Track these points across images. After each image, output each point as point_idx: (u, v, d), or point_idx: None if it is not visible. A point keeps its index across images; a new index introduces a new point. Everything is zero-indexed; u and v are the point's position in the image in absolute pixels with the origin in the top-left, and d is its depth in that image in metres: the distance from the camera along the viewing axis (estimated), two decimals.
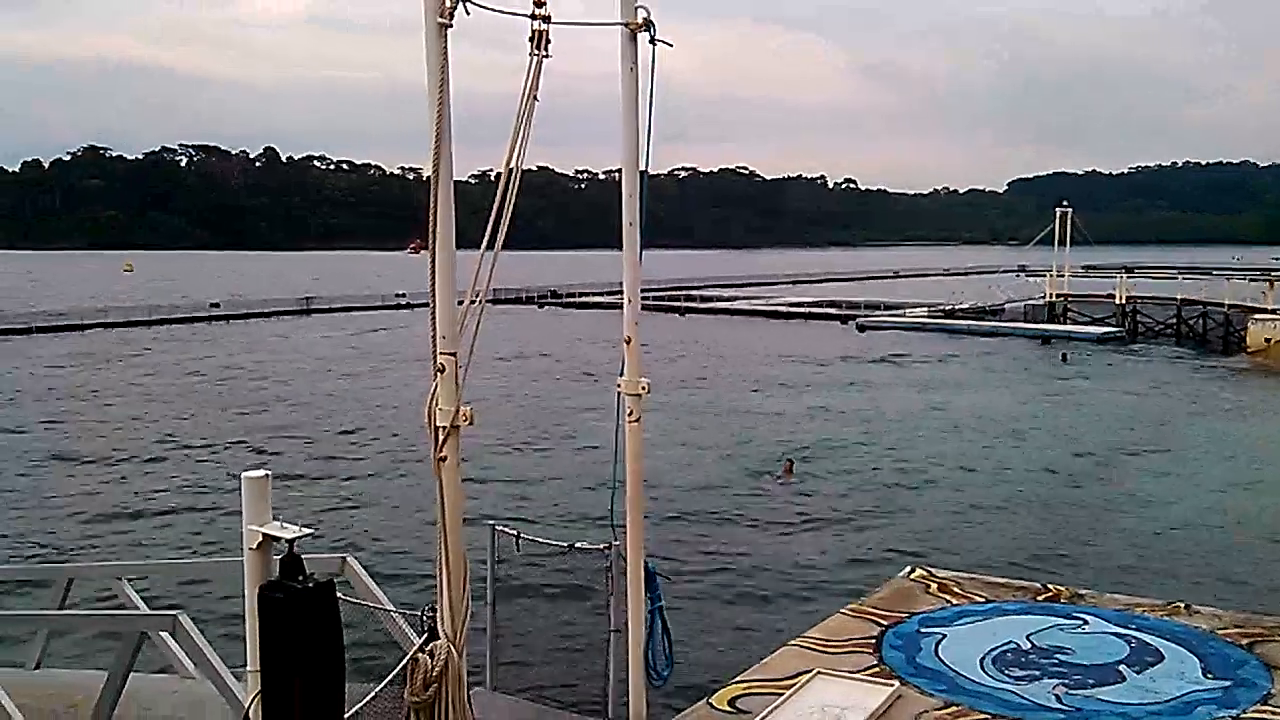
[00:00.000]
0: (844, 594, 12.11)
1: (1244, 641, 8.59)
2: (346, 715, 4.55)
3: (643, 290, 7.08)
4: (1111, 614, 9.28)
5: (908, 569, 10.66)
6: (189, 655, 7.46)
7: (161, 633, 7.41)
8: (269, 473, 4.51)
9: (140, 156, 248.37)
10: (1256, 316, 47.41)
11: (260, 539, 4.40)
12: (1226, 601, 11.10)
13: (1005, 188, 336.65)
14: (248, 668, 4.58)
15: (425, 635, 4.87)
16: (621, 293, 7.03)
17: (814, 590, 15.27)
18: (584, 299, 79.38)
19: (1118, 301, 57.66)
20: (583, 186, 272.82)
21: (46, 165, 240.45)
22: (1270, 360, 43.87)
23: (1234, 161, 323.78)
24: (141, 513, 20.62)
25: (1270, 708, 7.32)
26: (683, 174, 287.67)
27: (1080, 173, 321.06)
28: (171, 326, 61.22)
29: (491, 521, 7.94)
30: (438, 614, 4.86)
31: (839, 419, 30.54)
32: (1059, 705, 7.41)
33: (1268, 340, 45.39)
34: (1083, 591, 10.10)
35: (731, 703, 7.49)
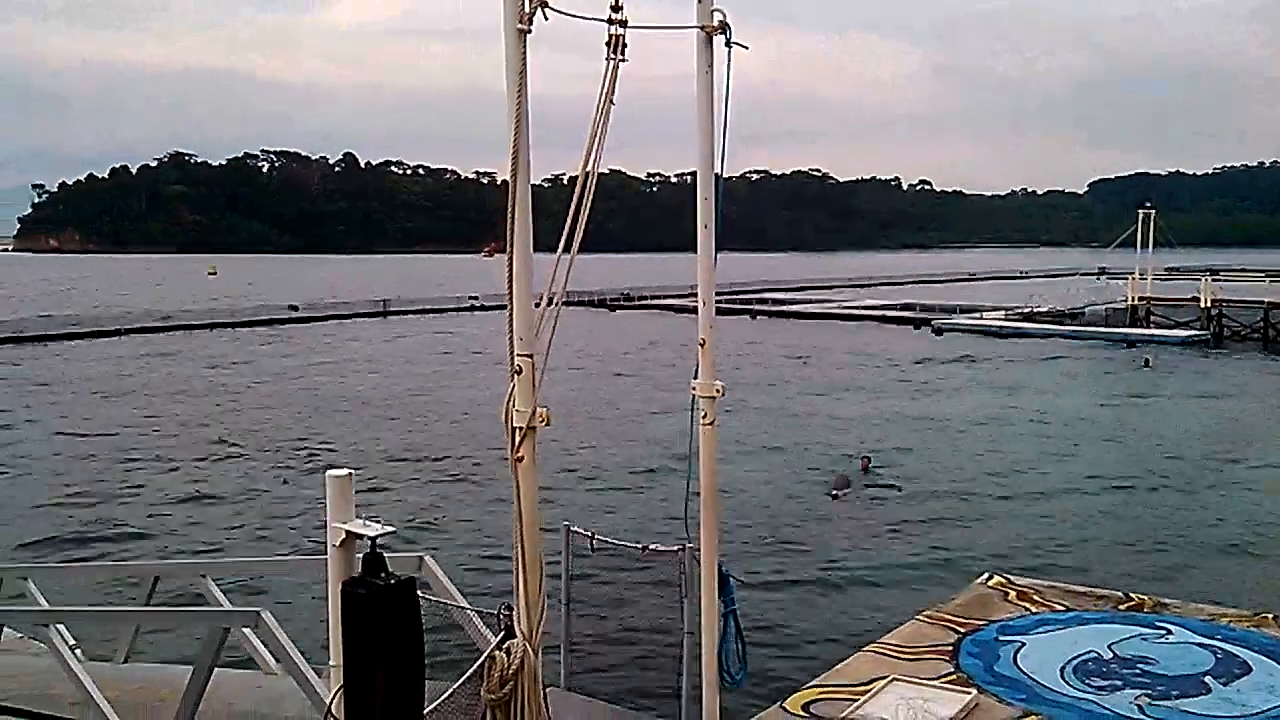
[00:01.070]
0: (920, 600, 11.96)
1: None
2: (425, 711, 4.62)
3: (715, 293, 7.09)
4: (1196, 624, 9.06)
5: (986, 575, 10.51)
6: (271, 651, 7.63)
7: (244, 628, 7.58)
8: (352, 471, 4.59)
9: (223, 162, 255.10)
10: None
11: (344, 536, 4.48)
12: None
13: (1085, 189, 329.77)
14: (330, 663, 4.66)
15: (502, 634, 4.93)
16: (693, 295, 7.03)
17: (890, 596, 15.11)
18: (657, 301, 79.46)
19: (1202, 305, 56.18)
20: (655, 189, 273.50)
21: (134, 171, 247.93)
22: None
23: None
24: (223, 511, 21.10)
25: None
26: (755, 176, 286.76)
27: (1163, 173, 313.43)
28: (255, 329, 62.58)
29: (566, 522, 7.99)
30: (514, 613, 4.91)
31: (915, 423, 30.17)
32: (1141, 716, 7.25)
33: None
34: (1166, 601, 9.87)
35: (805, 707, 7.45)
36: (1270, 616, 9.38)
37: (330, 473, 4.54)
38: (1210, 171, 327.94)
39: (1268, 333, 53.08)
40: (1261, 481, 23.10)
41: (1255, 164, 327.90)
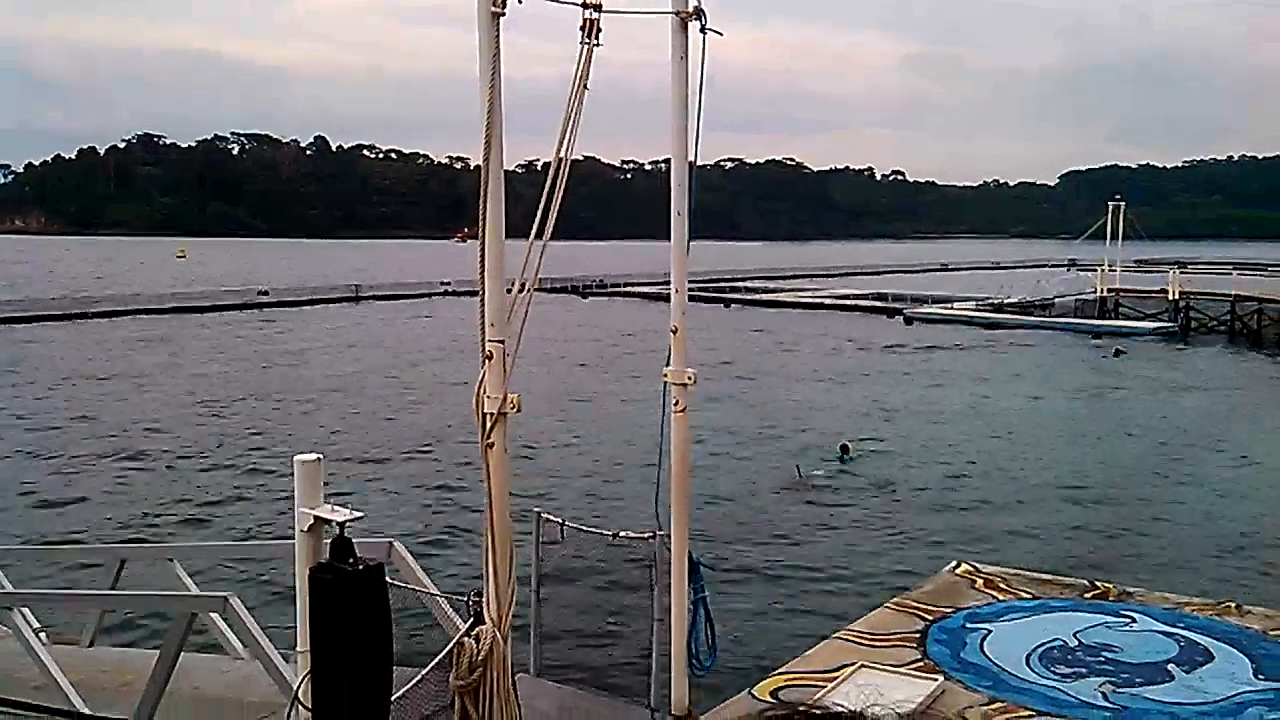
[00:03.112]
0: (889, 588, 12.05)
1: None
2: (393, 697, 4.60)
3: (689, 281, 7.08)
4: (1160, 612, 9.17)
5: (953, 564, 10.61)
6: (239, 636, 7.59)
7: (212, 613, 7.54)
8: (321, 456, 4.56)
9: (193, 144, 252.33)
10: None
11: (312, 521, 4.45)
12: (1279, 601, 10.90)
13: (1057, 180, 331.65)
14: (297, 648, 4.64)
15: (471, 620, 4.92)
16: (666, 283, 7.03)
17: (859, 583, 15.21)
18: (630, 289, 79.44)
19: (1171, 297, 56.72)
20: (629, 177, 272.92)
21: (102, 151, 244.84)
22: None
23: None
24: (191, 495, 20.95)
25: None
26: (729, 165, 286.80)
27: (1134, 166, 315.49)
28: (222, 313, 62.03)
29: (537, 509, 7.98)
30: (483, 599, 4.90)
31: (886, 412, 30.34)
32: (1106, 703, 7.35)
33: None
34: (1131, 589, 9.99)
35: (774, 694, 7.50)
36: (1233, 605, 9.51)
37: (298, 458, 4.51)
38: (1180, 165, 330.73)
39: (1234, 325, 53.67)
40: (1227, 472, 23.38)
41: (1224, 158, 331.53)
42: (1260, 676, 7.80)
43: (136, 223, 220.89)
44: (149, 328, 53.69)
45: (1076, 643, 8.40)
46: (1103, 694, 7.46)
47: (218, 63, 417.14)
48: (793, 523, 18.91)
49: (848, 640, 8.50)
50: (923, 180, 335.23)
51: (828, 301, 70.63)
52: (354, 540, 4.47)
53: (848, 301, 69.76)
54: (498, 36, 4.66)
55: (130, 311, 59.75)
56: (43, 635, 8.19)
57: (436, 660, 4.99)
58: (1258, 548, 17.60)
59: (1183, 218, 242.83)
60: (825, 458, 23.74)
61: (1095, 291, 61.40)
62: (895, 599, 9.57)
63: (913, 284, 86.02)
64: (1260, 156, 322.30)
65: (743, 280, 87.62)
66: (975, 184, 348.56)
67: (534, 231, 4.94)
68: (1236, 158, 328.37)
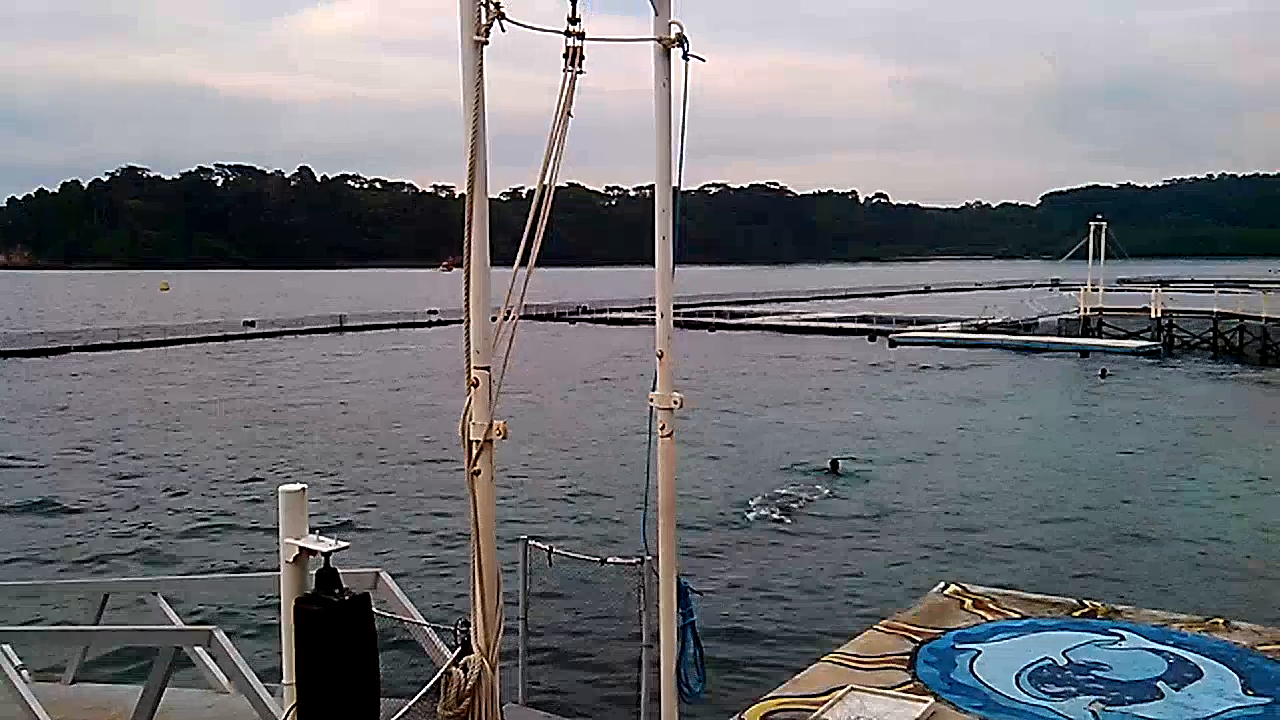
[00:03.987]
0: (878, 610, 12.03)
1: None
2: None
3: (675, 306, 7.09)
4: (1149, 630, 9.18)
5: (942, 585, 10.60)
6: (224, 670, 7.52)
7: (196, 647, 7.47)
8: (305, 486, 4.54)
9: (178, 176, 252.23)
10: None
11: (297, 552, 4.42)
12: (1267, 617, 10.93)
13: (1039, 201, 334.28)
14: (283, 681, 4.60)
15: (458, 649, 4.88)
16: (652, 308, 7.04)
17: (848, 606, 15.18)
18: (616, 314, 79.58)
19: (1153, 315, 57.10)
20: (614, 203, 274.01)
21: (86, 185, 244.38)
22: None
23: (1271, 174, 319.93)
24: (174, 528, 20.79)
25: None
26: (713, 190, 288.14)
27: (1115, 185, 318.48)
28: (206, 345, 61.81)
29: (524, 536, 7.96)
30: (471, 628, 4.87)
31: (872, 434, 30.38)
32: None
33: None
34: (1119, 607, 10.00)
35: (764, 719, 7.47)
36: (1221, 621, 9.52)
37: (283, 488, 4.48)
38: (1161, 184, 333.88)
39: (1217, 342, 54.05)
40: (1214, 489, 23.47)
41: (1204, 176, 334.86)
42: (1249, 692, 7.81)
43: (121, 256, 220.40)
44: (131, 361, 53.44)
45: (1066, 662, 8.40)
46: (1092, 713, 7.46)
47: (200, 94, 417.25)
48: (780, 545, 18.89)
49: (837, 663, 8.48)
50: (906, 203, 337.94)
51: (812, 325, 70.85)
52: (340, 570, 4.44)
53: (832, 324, 70.00)
54: (480, 65, 4.67)
55: (112, 345, 59.42)
56: (24, 672, 8.11)
57: (424, 690, 4.95)
58: (1245, 563, 17.66)
59: (1164, 236, 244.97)
60: (811, 477, 23.79)
61: (1078, 311, 61.83)
62: (884, 621, 9.55)
63: (897, 306, 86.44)
64: (1240, 174, 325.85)
65: (727, 304, 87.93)
66: (958, 206, 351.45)
67: (519, 258, 4.94)
68: (1217, 176, 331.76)
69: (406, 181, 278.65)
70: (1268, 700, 7.65)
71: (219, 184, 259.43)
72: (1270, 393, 40.81)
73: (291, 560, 4.43)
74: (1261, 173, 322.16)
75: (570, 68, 5.07)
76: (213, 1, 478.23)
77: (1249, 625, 9.43)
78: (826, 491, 22.80)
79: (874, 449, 27.91)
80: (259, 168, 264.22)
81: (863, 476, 24.49)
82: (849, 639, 9.19)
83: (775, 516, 20.76)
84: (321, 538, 4.40)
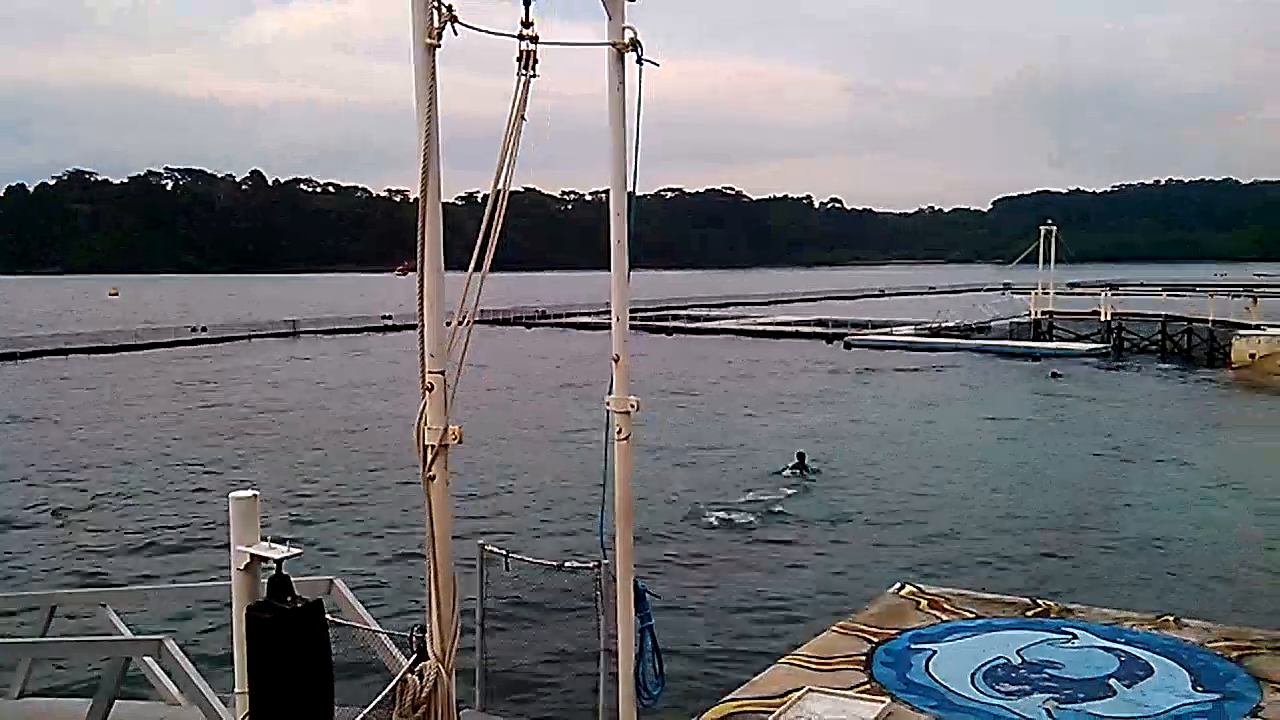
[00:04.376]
0: (834, 611, 12.09)
1: (1233, 654, 8.62)
2: None
3: (630, 310, 7.09)
4: (1101, 628, 9.31)
5: (898, 585, 10.68)
6: (175, 679, 7.40)
7: (146, 657, 7.34)
8: (256, 493, 4.49)
9: (126, 180, 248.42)
10: (1240, 332, 47.80)
11: (248, 560, 4.38)
12: (1216, 614, 11.12)
13: (990, 206, 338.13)
14: (235, 690, 4.54)
15: (414, 656, 4.85)
16: (608, 312, 7.03)
17: (806, 608, 15.24)
18: (572, 319, 79.47)
19: (1103, 318, 57.95)
20: (569, 208, 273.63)
21: (32, 189, 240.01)
22: (1254, 375, 44.19)
23: (1217, 179, 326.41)
24: (123, 538, 20.46)
25: None
26: (669, 194, 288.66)
27: (1064, 191, 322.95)
28: (155, 351, 60.88)
29: (481, 541, 7.91)
30: (426, 634, 4.84)
31: (828, 437, 30.54)
32: None
33: (1252, 355, 45.76)
34: (1072, 606, 10.13)
35: None
36: (1171, 619, 9.67)
37: (234, 495, 4.44)
38: (1109, 189, 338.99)
39: (1165, 345, 54.96)
40: (1163, 488, 23.84)
41: (1151, 182, 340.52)
42: (1199, 688, 7.93)
43: (70, 262, 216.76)
44: (78, 368, 52.57)
45: (1020, 660, 8.49)
46: (1046, 711, 7.54)
47: (150, 97, 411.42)
48: (738, 548, 18.94)
49: (795, 665, 8.51)
50: (860, 208, 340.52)
51: (769, 328, 71.19)
52: (293, 578, 4.39)
53: (788, 328, 70.39)
54: (433, 68, 4.65)
55: (58, 352, 58.41)
56: None
57: (379, 698, 4.90)
58: (1195, 561, 17.95)
59: (1112, 241, 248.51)
60: (770, 480, 23.91)
61: (1030, 314, 62.63)
62: (841, 622, 9.60)
63: (852, 309, 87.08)
64: (1186, 180, 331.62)
65: (684, 308, 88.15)
66: (911, 211, 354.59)
67: (473, 263, 4.92)
68: (1164, 182, 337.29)
69: (361, 185, 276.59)
70: (1216, 696, 7.78)
71: (169, 188, 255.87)
72: (1217, 394, 41.55)
73: (243, 568, 4.39)
74: (1207, 178, 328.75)
75: (524, 71, 5.05)
76: (162, 3, 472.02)
77: (1199, 623, 9.59)
78: (784, 494, 22.89)
79: (831, 451, 28.07)
80: (210, 171, 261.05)
81: (820, 478, 24.63)
82: (807, 641, 9.23)
83: (733, 519, 20.80)
84: (273, 545, 4.35)
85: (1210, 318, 52.72)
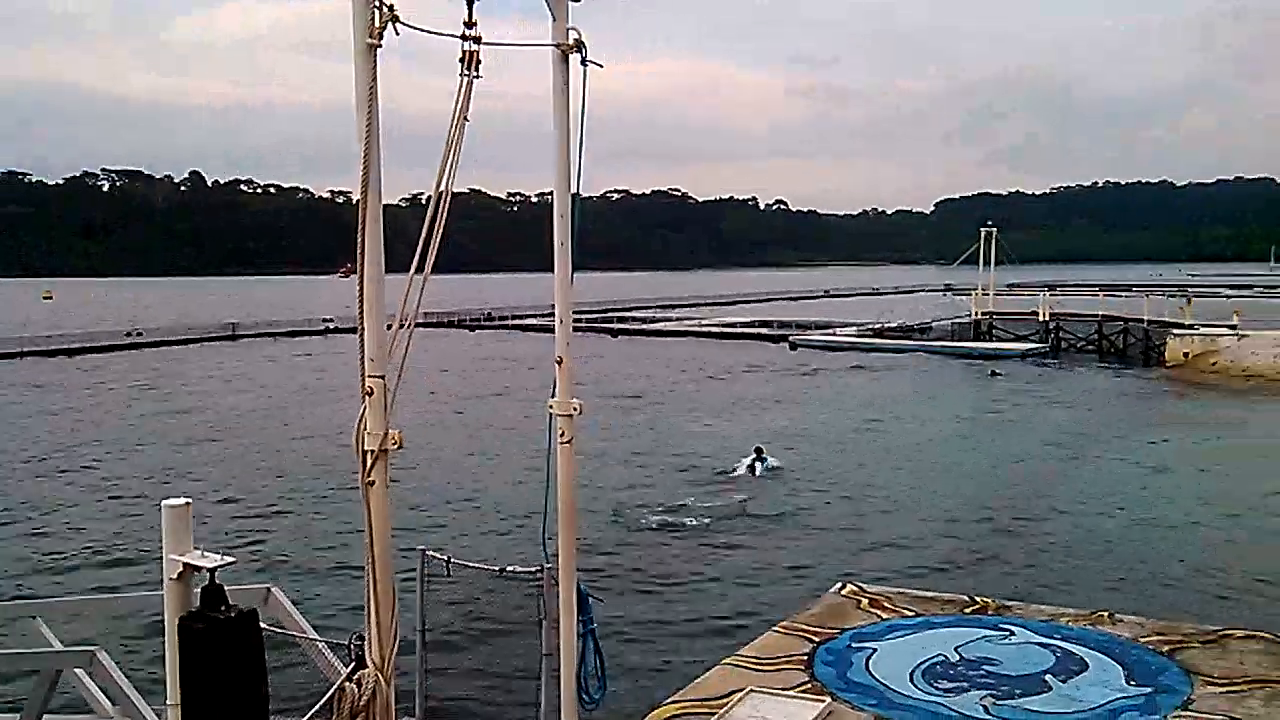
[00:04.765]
0: (777, 611, 12.16)
1: (1165, 648, 8.80)
2: None
3: (576, 312, 7.09)
4: (1037, 624, 9.45)
5: (839, 585, 10.77)
6: (107, 692, 7.26)
7: (77, 669, 7.19)
8: (189, 501, 4.42)
9: (61, 182, 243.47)
10: (1175, 332, 48.87)
11: (181, 569, 4.31)
12: (1149, 610, 11.35)
13: (932, 208, 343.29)
14: (168, 702, 4.47)
15: (352, 664, 4.80)
16: (554, 314, 7.02)
17: (748, 608, 15.30)
18: (518, 321, 79.17)
19: (1041, 318, 58.91)
20: (515, 209, 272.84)
21: None
22: (1188, 374, 45.19)
23: (1152, 181, 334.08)
24: (53, 547, 19.98)
25: (1190, 713, 7.50)
26: (615, 196, 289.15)
27: (1004, 193, 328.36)
28: (89, 356, 59.63)
29: (422, 547, 7.85)
30: (365, 642, 4.79)
31: (772, 437, 30.65)
32: (987, 716, 7.53)
33: (1186, 354, 46.82)
34: (1009, 603, 10.28)
35: None
36: (1105, 614, 9.85)
37: (166, 503, 4.37)
38: (1047, 191, 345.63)
39: (1102, 344, 56.01)
40: (1099, 486, 24.27)
41: (1089, 184, 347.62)
42: (1132, 682, 8.09)
43: (3, 265, 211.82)
44: (7, 373, 51.34)
45: (958, 658, 8.60)
46: (984, 707, 7.65)
47: (85, 96, 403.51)
48: (681, 549, 18.97)
49: (737, 665, 8.55)
50: (805, 209, 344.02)
51: (715, 330, 71.47)
52: (229, 587, 4.33)
53: (734, 329, 70.70)
54: (374, 68, 4.61)
55: None
56: None
57: (316, 708, 4.84)
58: (1129, 557, 18.29)
59: (1050, 242, 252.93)
60: (714, 481, 24.01)
61: (970, 315, 63.55)
62: (783, 622, 9.66)
63: (797, 311, 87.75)
64: (1122, 182, 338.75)
65: (630, 310, 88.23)
66: (855, 213, 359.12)
67: (414, 265, 4.88)
68: (1101, 184, 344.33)
69: (302, 187, 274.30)
70: (1149, 690, 7.94)
71: (105, 189, 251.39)
72: (1152, 392, 42.41)
73: (175, 577, 4.32)
74: (1143, 180, 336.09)
75: (467, 72, 5.02)
76: (98, 2, 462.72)
77: (1132, 618, 9.78)
78: (728, 496, 22.96)
79: (775, 452, 28.21)
80: (147, 172, 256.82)
81: (765, 478, 24.75)
82: (749, 641, 9.28)
83: (677, 521, 20.83)
84: (206, 553, 4.29)
85: (1145, 318, 53.85)
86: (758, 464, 25.37)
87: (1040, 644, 8.92)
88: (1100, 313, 58.67)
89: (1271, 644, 8.92)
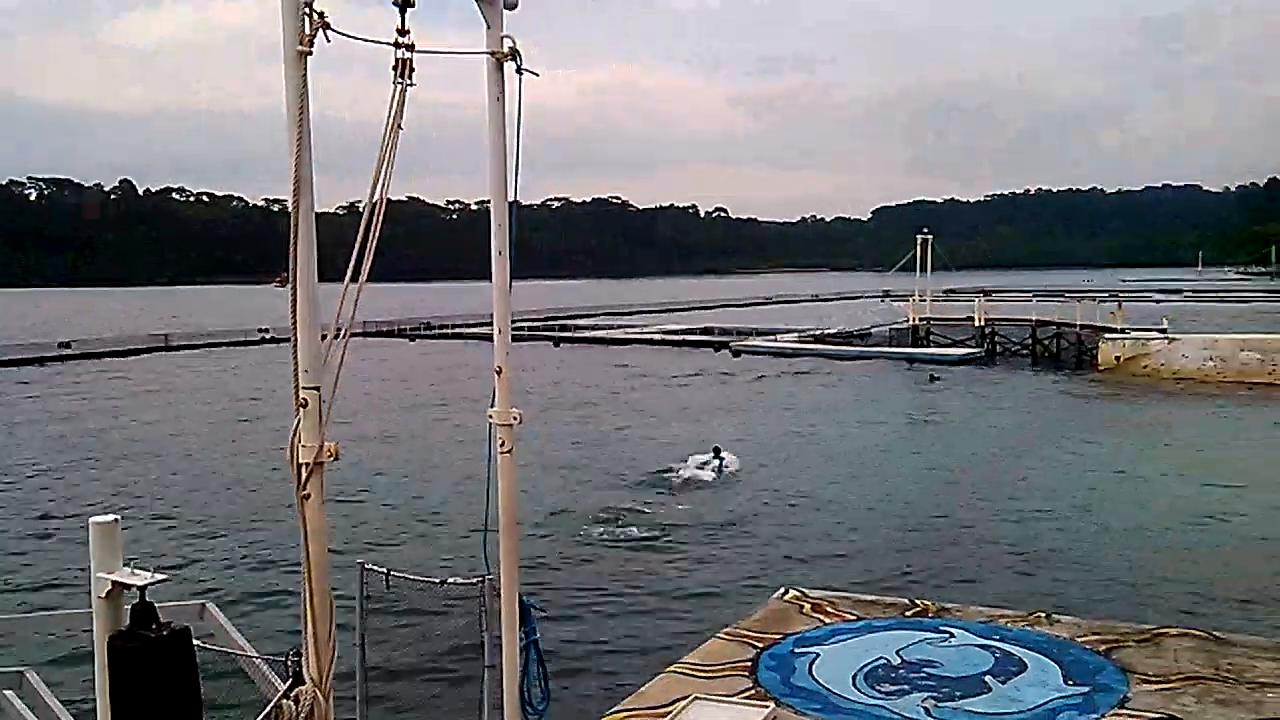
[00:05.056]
0: (720, 618, 12.18)
1: (1102, 648, 8.94)
2: None
3: (518, 320, 7.06)
4: (977, 626, 9.56)
5: (782, 590, 10.81)
6: (36, 714, 7.07)
7: (7, 691, 7.00)
8: (118, 518, 4.32)
9: None
10: (1106, 336, 49.89)
11: (110, 587, 4.20)
12: (1085, 610, 11.54)
13: (869, 216, 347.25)
14: None
15: (290, 681, 4.71)
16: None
17: (691, 616, 15.32)
18: (458, 330, 78.64)
19: (977, 324, 59.80)
20: (454, 217, 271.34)
21: None
22: (1120, 376, 46.21)
23: (1083, 189, 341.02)
24: None
25: (1127, 711, 7.62)
26: (556, 204, 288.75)
27: (940, 200, 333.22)
28: (17, 368, 58.17)
29: (360, 560, 7.75)
30: (303, 658, 4.70)
31: (713, 443, 30.77)
32: (928, 718, 7.59)
33: (1118, 358, 47.88)
34: (949, 605, 10.39)
35: None
36: (1043, 615, 9.99)
37: (94, 520, 4.26)
38: (982, 199, 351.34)
39: (1036, 348, 56.98)
40: (1033, 488, 24.67)
41: (1021, 191, 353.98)
42: (1070, 682, 8.21)
43: None
44: None
45: (900, 660, 8.67)
46: (925, 709, 7.71)
47: (9, 102, 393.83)
48: (625, 558, 18.95)
49: (680, 673, 8.53)
50: (745, 217, 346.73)
51: (656, 337, 71.56)
52: (163, 604, 4.24)
53: (676, 336, 70.86)
54: (305, 76, 4.54)
55: None
56: None
57: None
58: (1065, 558, 18.61)
59: (985, 249, 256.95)
60: (659, 488, 24.05)
61: (908, 321, 64.33)
62: (727, 628, 9.67)
63: (738, 318, 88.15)
64: (1055, 189, 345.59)
65: (572, 318, 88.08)
66: (794, 220, 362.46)
67: (349, 274, 4.82)
68: (1034, 191, 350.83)
69: (236, 195, 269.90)
70: (1087, 689, 8.06)
71: (32, 198, 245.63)
72: (1085, 395, 43.25)
73: (104, 596, 4.21)
74: (1074, 187, 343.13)
75: (400, 80, 4.98)
76: (21, 4, 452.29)
77: (1069, 618, 9.93)
78: (672, 504, 23.00)
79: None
80: (76, 180, 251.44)
81: (712, 484, 24.82)
82: (693, 649, 9.27)
83: (620, 530, 20.81)
84: (137, 570, 4.19)
85: (1078, 322, 54.90)
86: (716, 461, 25.78)
87: (980, 645, 9.02)
88: (1034, 317, 59.67)
89: (1205, 642, 9.11)
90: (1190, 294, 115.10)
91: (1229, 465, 26.42)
